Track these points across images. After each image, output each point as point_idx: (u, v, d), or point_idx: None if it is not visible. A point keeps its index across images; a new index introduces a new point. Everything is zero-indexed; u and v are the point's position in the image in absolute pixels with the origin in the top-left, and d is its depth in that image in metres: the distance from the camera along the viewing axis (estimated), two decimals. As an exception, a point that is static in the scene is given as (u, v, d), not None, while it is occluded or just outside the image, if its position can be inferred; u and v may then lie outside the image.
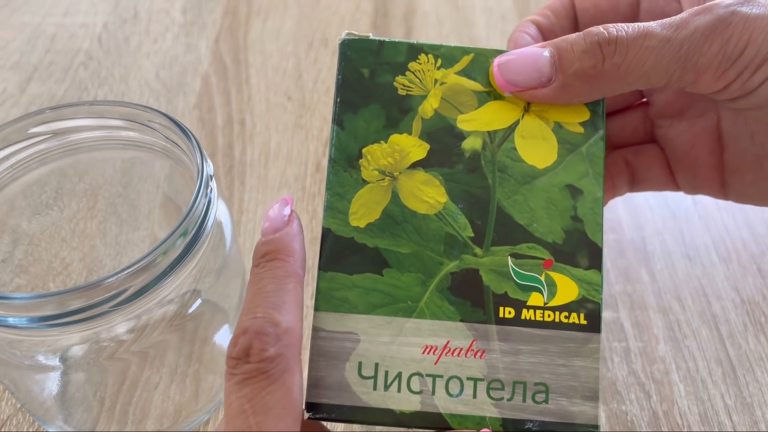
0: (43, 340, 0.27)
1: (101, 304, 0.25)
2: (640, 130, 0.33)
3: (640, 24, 0.25)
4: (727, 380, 0.37)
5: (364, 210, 0.25)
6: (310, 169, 0.48)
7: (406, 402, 0.24)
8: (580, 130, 0.26)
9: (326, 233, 0.25)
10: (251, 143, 0.49)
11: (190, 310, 0.30)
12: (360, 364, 0.24)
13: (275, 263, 0.23)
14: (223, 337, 0.34)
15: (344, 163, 0.26)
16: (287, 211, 0.24)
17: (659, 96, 0.32)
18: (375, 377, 0.24)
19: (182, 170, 0.32)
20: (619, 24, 0.25)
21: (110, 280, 0.25)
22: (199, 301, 0.30)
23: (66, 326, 0.25)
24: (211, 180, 0.29)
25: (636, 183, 0.32)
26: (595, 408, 0.24)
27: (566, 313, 0.24)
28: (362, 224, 0.25)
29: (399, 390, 0.24)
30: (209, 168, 0.29)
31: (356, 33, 0.26)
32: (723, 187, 0.30)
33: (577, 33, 0.25)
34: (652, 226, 0.44)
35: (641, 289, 0.41)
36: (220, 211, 0.31)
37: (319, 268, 0.25)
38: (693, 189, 0.31)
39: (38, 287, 0.36)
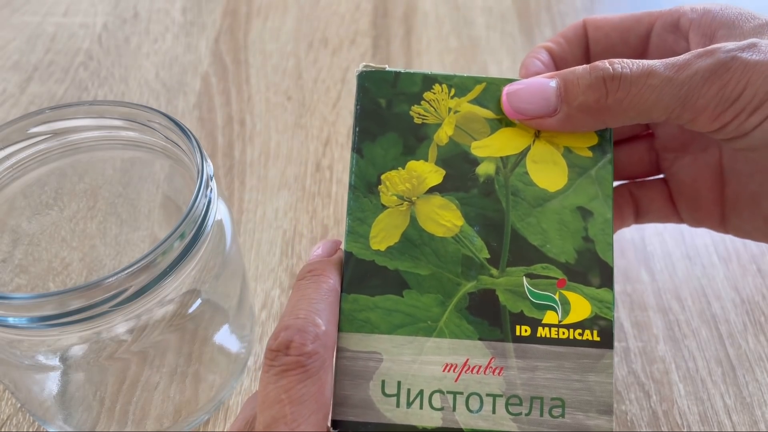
0: (43, 340, 0.27)
1: (101, 304, 0.25)
2: (645, 161, 0.34)
3: (644, 62, 0.26)
4: (726, 380, 0.37)
5: (384, 234, 0.26)
6: (310, 169, 0.48)
7: (428, 418, 0.24)
8: (589, 154, 0.27)
9: (348, 257, 0.26)
10: (251, 143, 0.49)
11: (190, 310, 0.30)
12: (383, 382, 0.25)
13: (320, 278, 0.25)
14: (223, 337, 0.34)
15: (364, 189, 0.27)
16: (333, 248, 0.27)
17: (664, 129, 0.32)
18: (398, 395, 0.25)
19: (182, 170, 0.32)
20: (625, 60, 0.26)
21: (110, 280, 0.25)
22: (199, 301, 0.30)
23: (66, 326, 0.25)
24: (211, 180, 0.29)
25: (641, 215, 0.33)
26: (609, 421, 0.24)
27: (580, 331, 0.25)
28: (382, 248, 0.26)
29: (421, 407, 0.25)
30: (209, 168, 0.29)
31: (373, 65, 0.28)
32: (723, 222, 0.31)
33: (584, 66, 0.26)
34: (652, 226, 0.45)
35: (641, 289, 0.41)
36: (220, 211, 0.31)
37: (342, 291, 0.25)
38: (695, 222, 0.32)
39: (38, 287, 0.36)
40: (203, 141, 0.49)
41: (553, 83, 0.26)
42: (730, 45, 0.25)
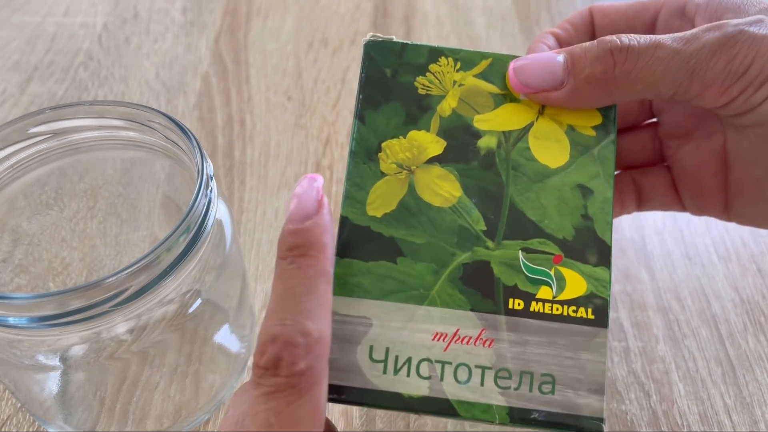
0: (43, 340, 0.27)
1: (101, 304, 0.25)
2: (649, 149, 0.34)
3: (652, 36, 0.26)
4: (726, 380, 0.37)
5: (381, 201, 0.26)
6: (310, 169, 0.48)
7: (414, 387, 0.24)
8: (592, 133, 0.27)
9: (344, 221, 0.26)
10: (251, 143, 0.49)
11: (190, 310, 0.30)
12: (371, 347, 0.24)
13: (305, 260, 0.22)
14: (223, 336, 0.34)
15: (364, 156, 0.27)
16: (315, 193, 0.24)
17: (668, 116, 0.32)
18: (385, 361, 0.24)
19: (182, 170, 0.32)
20: (632, 34, 0.26)
21: (110, 280, 0.25)
22: (199, 301, 0.30)
23: (66, 326, 0.25)
24: (211, 180, 0.29)
25: (643, 202, 0.33)
26: (600, 401, 0.24)
27: (574, 308, 0.25)
28: (379, 214, 0.26)
29: (408, 374, 0.24)
30: (209, 168, 0.29)
31: (380, 35, 0.28)
32: (726, 209, 0.31)
33: (591, 42, 0.26)
34: (652, 226, 0.45)
35: (641, 288, 0.41)
36: (220, 210, 0.31)
37: (336, 254, 0.25)
38: (697, 210, 0.32)
39: (38, 287, 0.36)
40: (203, 141, 0.49)
41: (560, 57, 0.26)
42: (737, 20, 0.25)
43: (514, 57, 0.28)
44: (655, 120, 0.34)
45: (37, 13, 0.60)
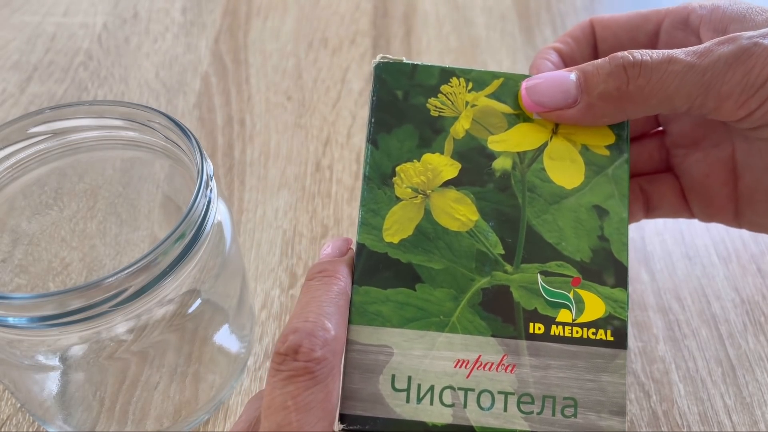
0: (42, 340, 0.27)
1: (101, 304, 0.25)
2: (656, 158, 0.33)
3: (664, 50, 0.25)
4: (726, 380, 0.37)
5: (398, 226, 0.26)
6: (310, 169, 0.48)
7: (438, 415, 0.24)
8: (606, 153, 0.27)
9: (360, 248, 0.25)
10: (251, 143, 0.49)
11: (190, 310, 0.30)
12: (393, 377, 0.24)
13: (331, 279, 0.24)
14: (223, 337, 0.34)
15: (378, 181, 0.26)
16: (345, 244, 0.27)
17: (675, 125, 0.32)
18: (408, 390, 0.24)
19: (182, 170, 0.32)
20: (645, 50, 0.26)
21: (110, 280, 0.25)
22: (198, 301, 0.30)
23: (65, 326, 0.25)
24: (211, 180, 0.29)
25: (651, 210, 0.33)
26: (622, 423, 0.24)
27: (594, 330, 0.25)
28: (395, 240, 0.26)
29: (431, 403, 0.24)
30: (209, 168, 0.29)
31: (390, 57, 0.27)
32: (737, 217, 0.31)
33: (602, 58, 0.26)
34: (652, 226, 0.45)
35: (641, 288, 0.41)
36: (220, 211, 0.31)
37: (354, 283, 0.25)
38: (707, 217, 0.32)
39: (38, 287, 0.36)
40: (203, 141, 0.49)
41: (572, 75, 0.26)
42: (750, 33, 0.25)
43: (526, 76, 0.27)
44: (661, 129, 0.33)
45: (36, 13, 0.60)
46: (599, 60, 0.26)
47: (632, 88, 0.25)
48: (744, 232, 0.44)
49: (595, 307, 0.25)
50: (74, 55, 0.56)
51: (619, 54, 0.26)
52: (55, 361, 0.29)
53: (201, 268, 0.29)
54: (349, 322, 0.25)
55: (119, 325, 0.27)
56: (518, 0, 0.62)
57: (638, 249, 0.43)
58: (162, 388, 0.33)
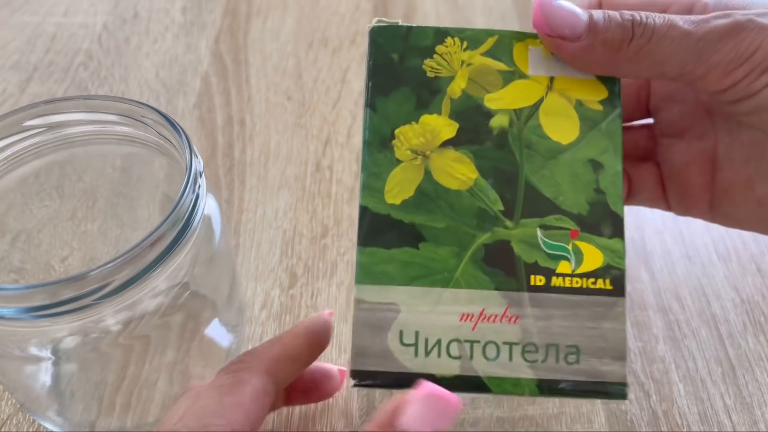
0: (33, 332, 0.28)
1: (89, 294, 0.25)
2: (641, 146, 0.34)
3: (667, 15, 0.27)
4: (726, 380, 0.37)
5: (399, 188, 0.26)
6: (310, 169, 0.48)
7: (446, 366, 0.25)
8: (600, 107, 0.27)
9: (364, 211, 0.26)
10: (251, 143, 0.49)
11: (180, 302, 0.30)
12: (401, 332, 0.25)
13: (241, 380, 0.27)
14: (213, 330, 0.34)
15: (378, 145, 0.27)
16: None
17: (664, 113, 0.33)
18: (416, 344, 0.25)
19: (180, 169, 0.32)
20: (651, 12, 0.27)
21: (96, 271, 0.25)
22: (188, 294, 0.30)
23: (56, 317, 0.26)
24: (200, 176, 0.29)
25: (631, 195, 0.34)
26: (623, 367, 0.25)
27: (593, 279, 0.26)
28: (398, 201, 0.26)
29: (439, 356, 0.25)
30: (199, 164, 0.29)
31: (386, 20, 0.28)
32: (711, 209, 0.32)
33: (614, 10, 0.27)
34: (652, 226, 0.44)
35: (640, 288, 0.41)
36: (209, 206, 0.31)
37: (359, 244, 0.26)
38: (682, 209, 0.33)
39: (33, 281, 0.36)
40: (203, 141, 0.49)
41: (585, 14, 0.27)
42: (747, 11, 0.27)
43: (520, 33, 0.28)
44: (650, 121, 0.34)
45: (36, 13, 0.60)
46: (611, 11, 0.27)
47: (633, 45, 0.26)
48: (744, 232, 0.44)
49: (593, 257, 0.26)
50: (74, 55, 0.56)
51: (628, 12, 0.27)
52: (47, 353, 0.29)
53: (190, 262, 0.30)
54: (357, 281, 0.25)
55: (109, 317, 0.28)
56: (518, 0, 0.62)
57: (638, 248, 0.43)
58: (151, 381, 0.33)
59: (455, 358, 0.25)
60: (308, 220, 0.45)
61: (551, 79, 0.28)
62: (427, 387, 0.22)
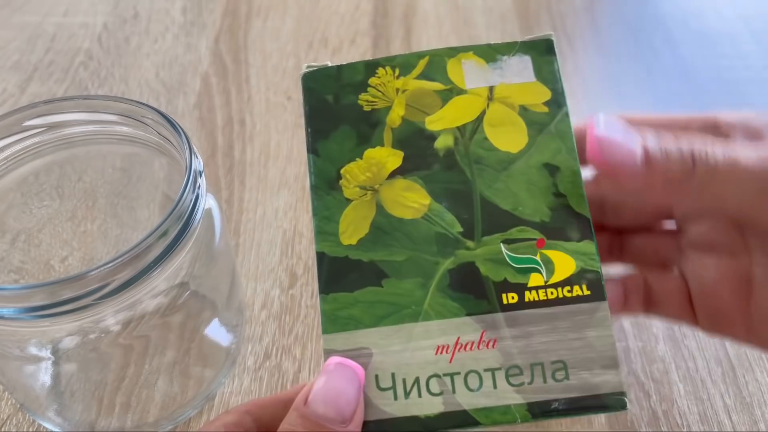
0: (33, 331, 0.28)
1: (89, 295, 0.25)
2: (662, 254, 0.32)
3: (729, 149, 0.25)
4: (726, 380, 0.37)
5: (353, 227, 0.26)
6: (310, 169, 0.48)
7: (429, 405, 0.23)
8: (545, 109, 0.27)
9: (321, 257, 0.25)
10: (251, 143, 0.49)
11: (179, 302, 0.30)
12: (377, 377, 0.24)
13: None
14: (213, 330, 0.34)
15: (326, 187, 0.26)
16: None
17: (694, 226, 0.31)
18: (394, 387, 0.24)
19: (180, 169, 0.32)
20: (712, 144, 0.25)
21: (96, 271, 0.25)
22: (187, 294, 0.30)
23: (55, 317, 0.26)
24: (200, 176, 0.29)
25: (652, 306, 0.31)
26: (617, 375, 0.23)
27: (568, 287, 0.24)
28: (354, 241, 0.25)
29: (420, 395, 0.24)
30: (198, 163, 0.29)
31: (315, 64, 0.28)
32: (748, 333, 0.29)
33: (671, 139, 0.26)
34: (652, 226, 0.44)
35: (641, 288, 0.41)
36: (209, 206, 0.31)
37: (320, 292, 0.25)
38: (712, 328, 0.30)
39: (33, 281, 0.36)
40: (203, 141, 0.49)
41: (639, 148, 0.25)
42: None
43: (449, 49, 0.27)
44: (674, 228, 0.32)
45: (37, 13, 0.60)
46: (671, 142, 0.25)
47: (695, 182, 0.25)
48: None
49: (565, 264, 0.25)
50: (74, 55, 0.56)
51: (687, 144, 0.25)
52: (46, 353, 0.29)
53: (190, 262, 0.30)
54: (323, 332, 0.24)
55: (109, 317, 0.28)
56: (518, 0, 0.62)
57: (638, 249, 0.43)
58: (151, 381, 0.33)
59: (437, 394, 0.23)
60: (308, 220, 0.45)
61: (491, 89, 0.27)
62: (332, 361, 0.22)
